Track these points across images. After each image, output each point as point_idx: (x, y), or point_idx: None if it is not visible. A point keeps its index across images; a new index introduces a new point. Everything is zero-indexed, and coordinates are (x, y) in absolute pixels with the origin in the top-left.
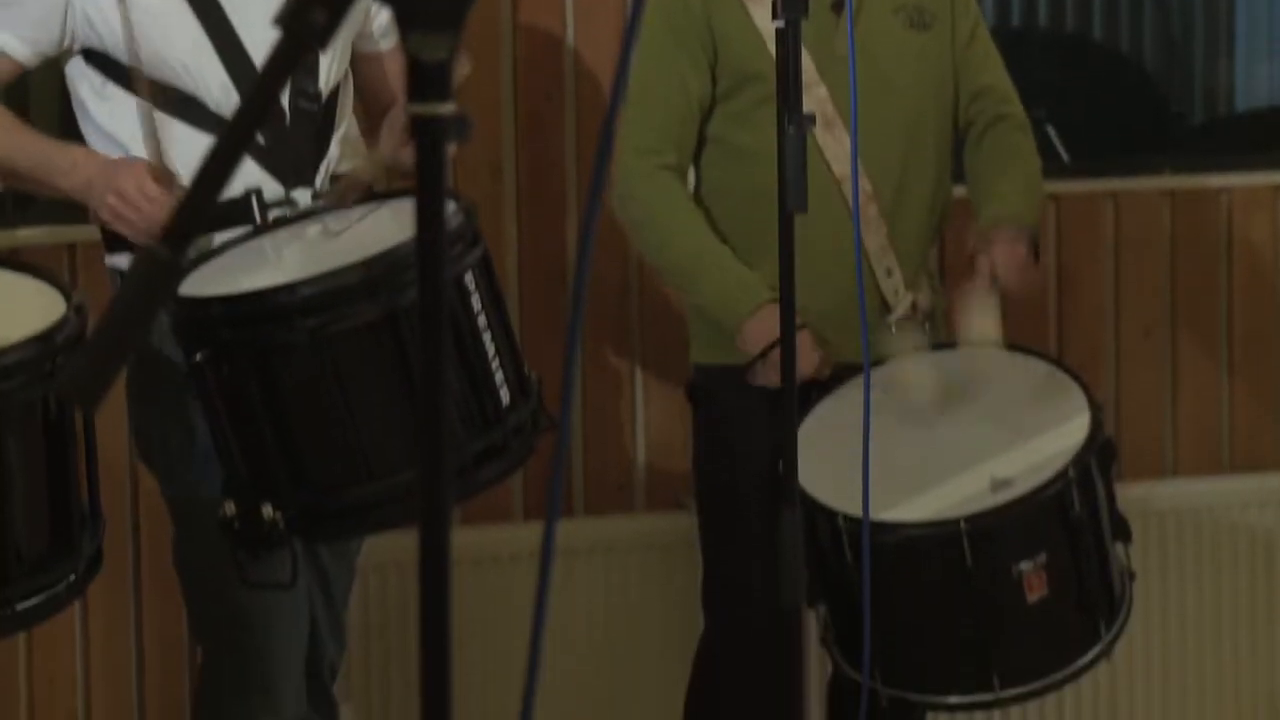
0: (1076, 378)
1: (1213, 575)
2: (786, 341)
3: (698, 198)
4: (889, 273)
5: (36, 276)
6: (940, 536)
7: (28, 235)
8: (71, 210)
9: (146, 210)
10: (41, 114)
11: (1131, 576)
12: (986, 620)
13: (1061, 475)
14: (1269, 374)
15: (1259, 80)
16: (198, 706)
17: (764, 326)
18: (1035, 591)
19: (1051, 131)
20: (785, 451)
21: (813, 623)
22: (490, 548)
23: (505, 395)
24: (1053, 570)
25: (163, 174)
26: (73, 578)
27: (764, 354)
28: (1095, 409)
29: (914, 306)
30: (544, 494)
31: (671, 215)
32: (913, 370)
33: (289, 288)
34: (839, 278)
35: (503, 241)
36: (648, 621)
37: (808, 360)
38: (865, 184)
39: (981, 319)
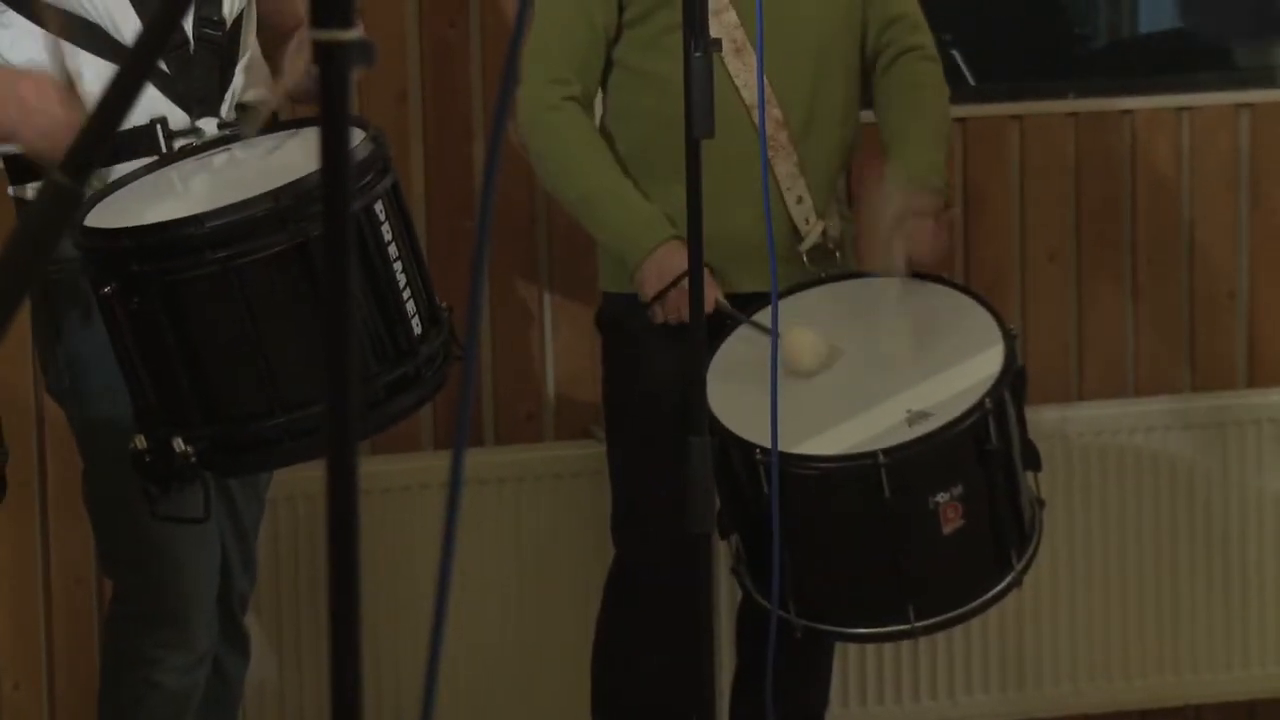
0: (988, 305)
1: (1117, 499)
2: (695, 267)
3: (605, 123)
4: (799, 200)
5: None
6: (858, 469)
7: None
8: None
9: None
10: None
11: (1041, 504)
12: (902, 552)
13: (978, 407)
14: (1173, 297)
15: (1161, 2)
16: (108, 640)
17: (662, 266)
18: (951, 523)
19: (957, 55)
20: (692, 379)
21: (722, 551)
22: (400, 477)
23: (417, 325)
24: (968, 502)
25: (67, 91)
26: None
27: (660, 295)
28: (1008, 338)
29: (824, 234)
30: (453, 424)
31: (575, 148)
32: (798, 340)
33: (196, 219)
34: (750, 205)
35: (409, 170)
36: (557, 551)
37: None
38: (775, 111)
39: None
